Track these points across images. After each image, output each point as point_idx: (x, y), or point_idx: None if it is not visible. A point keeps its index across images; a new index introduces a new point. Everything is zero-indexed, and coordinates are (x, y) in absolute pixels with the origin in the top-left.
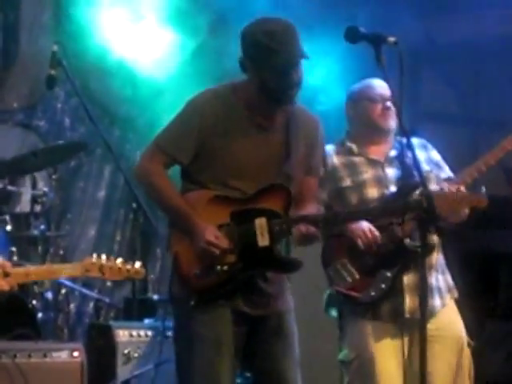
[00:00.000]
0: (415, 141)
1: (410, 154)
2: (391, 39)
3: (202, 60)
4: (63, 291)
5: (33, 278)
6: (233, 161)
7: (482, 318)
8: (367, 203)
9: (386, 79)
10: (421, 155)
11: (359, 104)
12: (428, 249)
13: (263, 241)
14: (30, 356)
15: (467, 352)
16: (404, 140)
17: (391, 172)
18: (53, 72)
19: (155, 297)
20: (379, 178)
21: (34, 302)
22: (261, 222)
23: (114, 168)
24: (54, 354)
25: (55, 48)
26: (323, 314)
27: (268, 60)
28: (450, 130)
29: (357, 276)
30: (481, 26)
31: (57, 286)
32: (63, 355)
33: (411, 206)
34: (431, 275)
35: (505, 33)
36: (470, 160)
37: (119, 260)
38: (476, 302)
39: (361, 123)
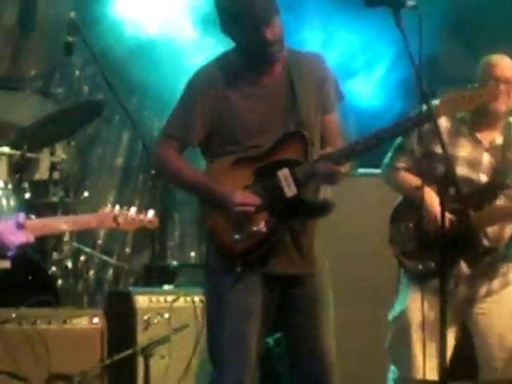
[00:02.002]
0: None
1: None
2: (410, 3)
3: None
4: (82, 258)
5: (48, 229)
6: (241, 123)
7: None
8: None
9: (406, 44)
10: None
11: (478, 82)
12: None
13: (290, 191)
14: (50, 322)
15: None
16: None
17: (488, 160)
18: (70, 39)
19: (174, 263)
20: (474, 161)
21: (54, 268)
22: (284, 173)
23: (132, 135)
24: (74, 321)
25: (73, 15)
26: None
27: (236, 23)
28: None
29: (413, 245)
30: None
31: (76, 253)
32: (83, 321)
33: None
34: (491, 266)
35: None
36: None
37: (133, 210)
38: None
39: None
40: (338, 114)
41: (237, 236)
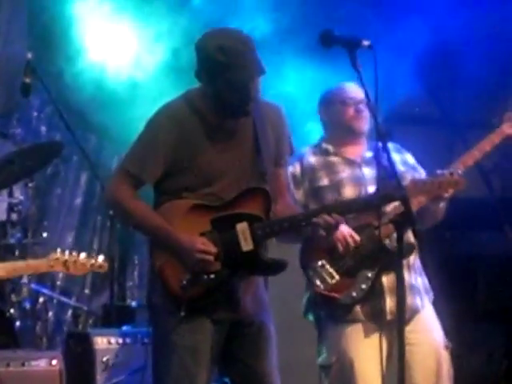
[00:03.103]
0: (389, 145)
1: (385, 156)
2: (366, 43)
3: (178, 64)
4: (41, 299)
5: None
6: (204, 170)
7: (461, 320)
8: None
9: (361, 83)
10: (396, 157)
11: (332, 107)
12: (408, 250)
13: (247, 245)
14: (8, 365)
15: (445, 355)
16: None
17: (368, 172)
18: (27, 80)
19: (133, 303)
20: (357, 178)
21: (12, 310)
22: (242, 227)
23: (90, 175)
24: (33, 363)
25: (29, 55)
26: (302, 318)
27: (222, 75)
28: (424, 131)
29: (337, 277)
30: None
31: (35, 295)
32: (42, 363)
33: (388, 197)
34: (410, 276)
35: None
36: (446, 161)
37: (83, 255)
38: (454, 304)
39: (334, 126)
40: (287, 168)
41: (184, 282)
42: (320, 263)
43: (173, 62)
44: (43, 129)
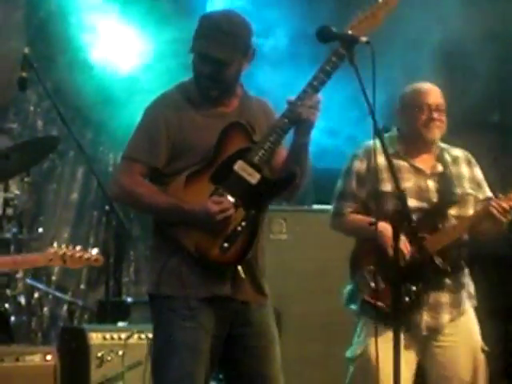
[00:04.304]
0: (460, 153)
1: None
2: (363, 39)
3: (174, 59)
4: (36, 295)
5: None
6: (198, 150)
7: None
8: None
9: (359, 81)
10: (465, 171)
11: (408, 110)
12: (456, 269)
13: (254, 177)
14: (2, 360)
15: (482, 358)
16: (443, 145)
17: (433, 185)
18: (24, 74)
19: (129, 299)
20: (421, 190)
21: (7, 305)
22: (240, 165)
23: (86, 170)
24: (27, 358)
25: (26, 50)
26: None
27: (193, 42)
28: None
29: (382, 285)
30: None
31: (30, 290)
32: (36, 359)
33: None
34: (444, 294)
35: None
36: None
37: (78, 248)
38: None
39: (408, 130)
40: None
41: (224, 244)
42: (368, 269)
43: (172, 60)
44: (40, 123)
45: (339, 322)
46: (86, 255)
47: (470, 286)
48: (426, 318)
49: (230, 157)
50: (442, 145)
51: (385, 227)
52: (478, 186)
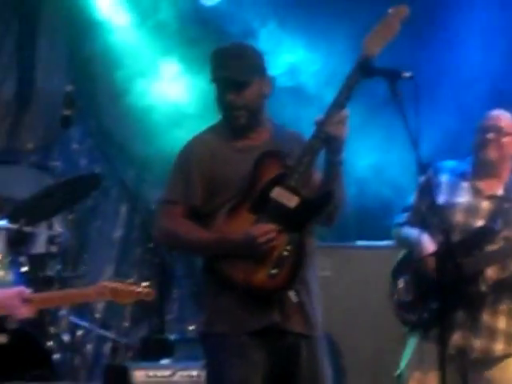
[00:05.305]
0: None
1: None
2: (407, 74)
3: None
4: (80, 332)
5: (49, 304)
6: (233, 184)
7: None
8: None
9: (403, 114)
10: None
11: (476, 133)
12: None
13: (292, 201)
14: None
15: None
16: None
17: (487, 207)
18: (67, 112)
19: (172, 337)
20: (472, 208)
21: (51, 343)
22: (277, 192)
23: (130, 208)
24: None
25: (69, 88)
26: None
27: (211, 76)
28: None
29: (410, 297)
30: None
31: (73, 327)
32: None
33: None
34: (498, 319)
35: None
36: None
37: (129, 282)
38: None
39: (472, 152)
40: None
41: (272, 271)
42: (404, 278)
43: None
44: (83, 161)
45: (386, 358)
46: (138, 289)
47: None
48: (455, 338)
49: (266, 185)
50: None
51: (427, 241)
52: None
